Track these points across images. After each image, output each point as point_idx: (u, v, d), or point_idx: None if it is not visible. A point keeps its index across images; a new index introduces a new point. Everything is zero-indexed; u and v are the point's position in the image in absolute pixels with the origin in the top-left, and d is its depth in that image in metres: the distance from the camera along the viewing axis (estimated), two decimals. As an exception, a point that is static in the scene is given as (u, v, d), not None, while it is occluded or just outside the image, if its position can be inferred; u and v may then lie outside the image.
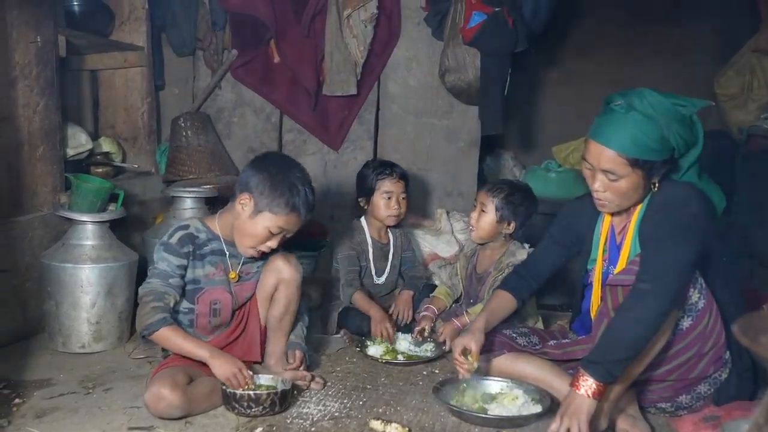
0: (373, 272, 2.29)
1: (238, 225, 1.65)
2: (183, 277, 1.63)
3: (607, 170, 1.43)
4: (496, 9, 2.54)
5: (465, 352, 1.57)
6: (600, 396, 1.33)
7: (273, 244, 1.65)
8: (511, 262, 2.02)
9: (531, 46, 2.67)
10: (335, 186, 2.93)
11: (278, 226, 1.62)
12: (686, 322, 1.43)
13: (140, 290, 1.61)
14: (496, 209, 2.03)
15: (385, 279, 2.32)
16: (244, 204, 1.63)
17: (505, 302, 1.72)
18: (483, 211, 2.05)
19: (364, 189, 2.28)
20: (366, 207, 2.29)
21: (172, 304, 1.59)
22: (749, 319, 0.80)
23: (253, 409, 1.48)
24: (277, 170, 1.63)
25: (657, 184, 1.47)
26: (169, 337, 1.54)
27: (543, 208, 2.58)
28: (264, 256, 1.71)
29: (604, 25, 3.48)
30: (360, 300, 2.12)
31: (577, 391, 1.34)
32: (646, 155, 1.39)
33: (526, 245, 2.11)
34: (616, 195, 1.46)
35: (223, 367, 1.52)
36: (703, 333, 1.44)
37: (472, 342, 1.56)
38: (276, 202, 1.60)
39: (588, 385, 1.32)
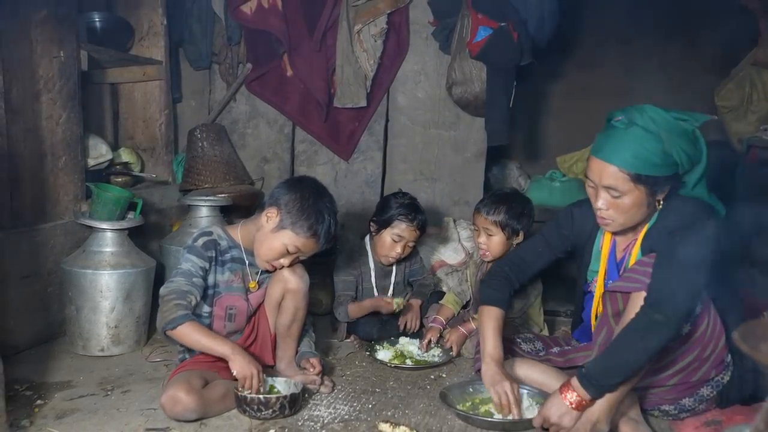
0: (376, 293, 2.23)
1: (259, 236, 1.70)
2: (204, 279, 1.66)
3: (609, 187, 1.40)
4: (502, 24, 2.57)
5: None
6: (583, 408, 1.37)
7: (285, 262, 1.70)
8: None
9: (535, 59, 2.70)
10: (345, 195, 2.96)
11: (296, 245, 1.67)
12: (685, 328, 1.44)
13: (163, 289, 1.60)
14: (502, 228, 2.02)
15: (390, 296, 2.24)
16: (270, 217, 1.68)
17: (500, 319, 1.64)
18: (489, 234, 2.03)
19: (382, 218, 2.15)
20: (374, 232, 2.20)
21: (193, 304, 1.60)
22: (749, 326, 0.83)
23: (263, 412, 1.51)
24: (309, 194, 1.68)
25: (661, 202, 1.44)
26: (192, 332, 1.53)
27: (546, 216, 2.60)
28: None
29: (606, 40, 3.51)
30: (354, 308, 2.11)
31: (564, 400, 1.37)
32: (649, 170, 1.37)
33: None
34: (620, 213, 1.43)
35: (242, 365, 1.53)
36: (702, 337, 1.45)
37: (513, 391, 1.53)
38: (300, 223, 1.65)
39: (573, 398, 1.36)
